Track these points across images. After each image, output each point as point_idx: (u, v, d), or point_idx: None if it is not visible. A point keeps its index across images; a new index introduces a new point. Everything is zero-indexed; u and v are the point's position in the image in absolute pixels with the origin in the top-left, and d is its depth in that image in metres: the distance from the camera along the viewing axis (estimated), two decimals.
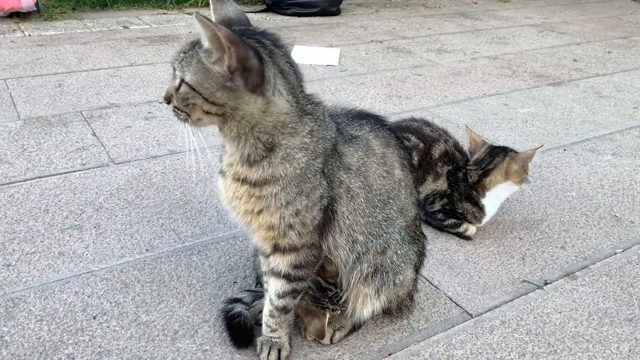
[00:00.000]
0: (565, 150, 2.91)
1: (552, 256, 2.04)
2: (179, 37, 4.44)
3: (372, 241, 1.46)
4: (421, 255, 1.65)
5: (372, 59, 4.27)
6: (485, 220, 2.11)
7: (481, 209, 2.08)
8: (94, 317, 1.62)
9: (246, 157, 1.30)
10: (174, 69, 1.23)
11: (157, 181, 2.37)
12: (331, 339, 1.58)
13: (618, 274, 1.96)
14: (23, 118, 2.86)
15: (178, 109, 1.24)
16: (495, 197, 2.08)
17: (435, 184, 2.15)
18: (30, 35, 4.25)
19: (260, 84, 1.20)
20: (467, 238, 2.11)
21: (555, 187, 2.53)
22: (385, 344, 1.60)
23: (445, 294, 1.82)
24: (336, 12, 5.64)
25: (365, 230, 1.44)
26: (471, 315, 1.74)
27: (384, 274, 1.50)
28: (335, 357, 1.54)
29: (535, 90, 3.79)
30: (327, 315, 1.52)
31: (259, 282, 1.73)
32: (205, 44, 1.17)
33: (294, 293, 1.44)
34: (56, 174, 2.37)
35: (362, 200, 1.41)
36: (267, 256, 1.43)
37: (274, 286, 1.45)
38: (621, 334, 1.69)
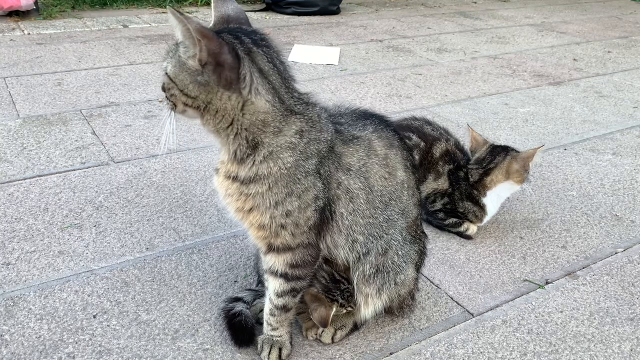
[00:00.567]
0: (565, 149, 2.90)
1: (553, 255, 2.04)
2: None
3: (372, 242, 1.45)
4: (422, 254, 1.65)
5: (372, 58, 4.26)
6: (486, 219, 2.11)
7: (482, 208, 2.07)
8: (94, 316, 1.62)
9: (234, 154, 1.31)
10: (164, 60, 1.28)
11: (157, 180, 2.36)
12: (332, 338, 1.58)
13: (619, 273, 1.95)
14: (22, 117, 2.85)
15: (167, 98, 1.29)
16: (497, 196, 2.07)
17: (437, 183, 2.14)
18: (29, 33, 4.24)
19: (235, 81, 1.21)
20: (468, 237, 2.11)
21: (556, 186, 2.53)
22: (386, 343, 1.60)
23: (446, 293, 1.81)
24: (336, 11, 5.64)
25: (366, 231, 1.44)
26: (472, 314, 1.73)
27: (385, 273, 1.50)
28: (337, 356, 1.54)
29: (536, 90, 3.79)
30: (334, 308, 1.51)
31: (260, 281, 1.72)
32: (180, 38, 1.19)
33: (293, 292, 1.44)
34: (56, 173, 2.36)
35: (362, 201, 1.41)
36: (265, 255, 1.43)
37: (272, 285, 1.44)
38: (622, 333, 1.68)
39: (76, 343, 1.52)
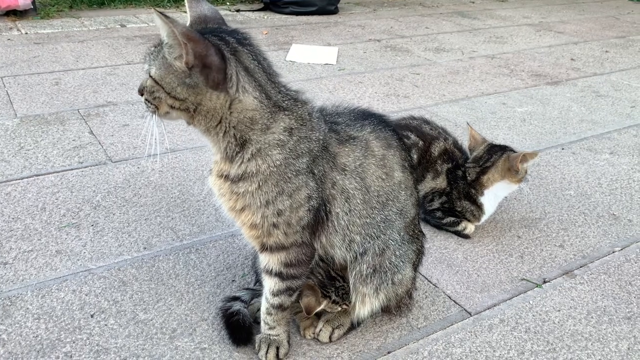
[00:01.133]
0: (563, 149, 2.91)
1: (550, 255, 2.04)
2: None
3: (369, 242, 1.45)
4: (420, 253, 1.65)
5: (370, 58, 4.26)
6: (484, 218, 2.11)
7: (480, 207, 2.08)
8: (92, 316, 1.62)
9: (225, 153, 1.31)
10: (145, 62, 1.27)
11: (155, 179, 2.36)
12: (330, 337, 1.57)
13: (616, 272, 1.96)
14: (20, 116, 2.84)
15: (148, 101, 1.27)
16: (494, 195, 2.08)
17: (435, 182, 2.14)
18: (27, 33, 4.23)
19: (222, 81, 1.21)
20: (466, 236, 2.11)
21: (554, 185, 2.53)
22: (384, 342, 1.60)
23: (444, 292, 1.82)
24: (334, 11, 5.64)
25: (363, 231, 1.44)
26: (470, 313, 1.73)
27: (383, 273, 1.50)
28: (334, 355, 1.54)
29: (533, 90, 3.80)
30: (324, 303, 1.51)
31: (257, 280, 1.72)
32: (165, 39, 1.19)
33: (288, 291, 1.44)
34: (53, 172, 2.35)
35: (358, 201, 1.41)
36: (260, 254, 1.43)
37: (268, 284, 1.44)
38: (620, 332, 1.69)
39: (73, 342, 1.52)
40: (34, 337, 1.53)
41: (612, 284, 1.90)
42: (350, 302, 1.53)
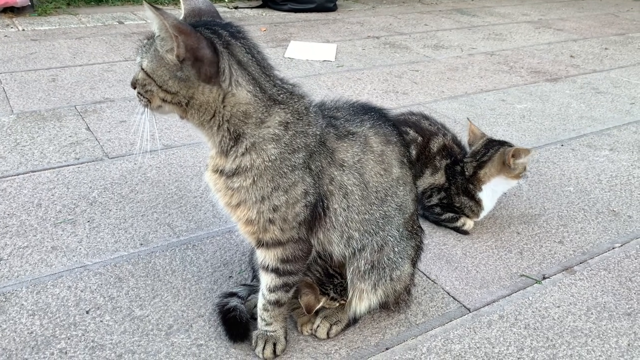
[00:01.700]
0: (562, 145, 2.89)
1: (550, 251, 2.03)
2: None
3: (368, 238, 1.44)
4: (419, 249, 1.63)
5: (368, 55, 4.25)
6: (483, 214, 2.10)
7: (478, 203, 2.06)
8: (87, 312, 1.60)
9: (219, 147, 1.29)
10: (137, 55, 1.26)
11: (152, 175, 2.34)
12: (328, 333, 1.56)
13: (616, 269, 1.94)
14: (16, 112, 2.83)
15: (140, 95, 1.26)
16: (492, 191, 2.06)
17: (434, 178, 2.13)
18: (24, 30, 4.21)
19: (215, 75, 1.20)
20: (465, 232, 2.10)
21: (553, 182, 2.52)
22: (382, 339, 1.59)
23: (443, 289, 1.80)
24: (333, 8, 5.62)
25: (361, 228, 1.42)
26: (469, 309, 1.72)
27: (381, 269, 1.48)
28: (332, 352, 1.53)
29: (533, 86, 3.78)
30: (323, 300, 1.50)
31: (255, 276, 1.70)
32: (157, 32, 1.17)
33: (285, 287, 1.42)
34: (49, 168, 2.34)
35: (357, 197, 1.39)
36: (256, 250, 1.41)
37: (265, 280, 1.43)
38: (620, 328, 1.67)
39: (68, 339, 1.50)
40: (28, 333, 1.51)
41: (612, 280, 1.88)
42: (348, 298, 1.52)
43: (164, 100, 1.23)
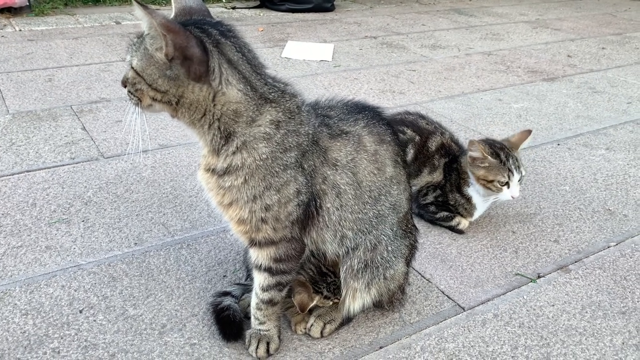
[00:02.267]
0: (559, 144, 2.89)
1: (545, 250, 2.03)
2: None
3: (361, 237, 1.44)
4: (413, 248, 1.63)
5: (366, 55, 4.24)
6: (476, 214, 2.09)
7: (469, 200, 2.05)
8: (81, 311, 1.60)
9: (211, 146, 1.29)
10: (127, 53, 1.25)
11: (147, 175, 2.34)
12: (321, 332, 1.56)
13: (611, 267, 1.94)
14: (12, 112, 2.82)
15: (131, 93, 1.25)
16: (476, 191, 2.03)
17: (431, 176, 2.12)
18: (21, 30, 4.21)
19: (205, 73, 1.19)
20: (460, 232, 2.10)
21: (549, 181, 2.52)
22: (376, 337, 1.58)
23: (437, 287, 1.80)
24: (330, 8, 5.62)
25: (355, 227, 1.42)
26: (463, 308, 1.72)
27: (375, 268, 1.48)
28: (326, 350, 1.52)
29: (529, 86, 3.78)
30: (317, 299, 1.50)
31: (249, 275, 1.70)
32: (147, 31, 1.17)
33: (278, 286, 1.42)
34: (45, 168, 2.33)
35: (350, 196, 1.38)
36: (249, 249, 1.41)
37: (258, 279, 1.43)
38: (614, 326, 1.67)
39: (61, 338, 1.50)
40: (21, 332, 1.51)
41: (607, 279, 1.88)
42: (341, 297, 1.51)
43: (154, 99, 1.23)
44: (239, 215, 1.32)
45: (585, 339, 1.62)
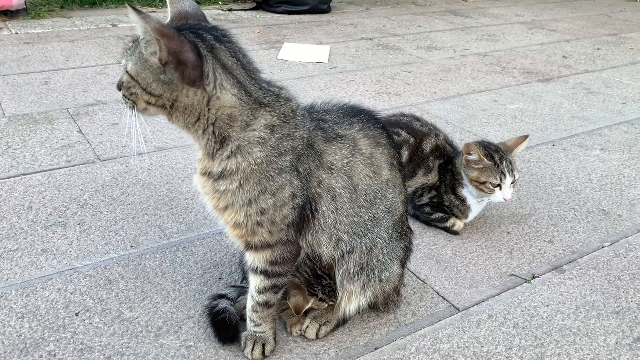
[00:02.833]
0: (554, 145, 2.91)
1: (540, 250, 2.04)
2: None
3: (357, 240, 1.44)
4: (408, 251, 1.64)
5: (362, 57, 4.26)
6: (471, 215, 2.10)
7: (464, 201, 2.06)
8: (77, 314, 1.60)
9: (206, 150, 1.30)
10: (123, 57, 1.26)
11: (143, 178, 2.34)
12: (317, 334, 1.56)
13: (606, 268, 1.95)
14: (8, 116, 2.83)
15: (126, 97, 1.26)
16: (469, 192, 2.04)
17: (427, 178, 2.13)
18: (17, 33, 4.21)
19: (199, 78, 1.20)
20: (455, 233, 2.10)
21: (544, 181, 2.53)
22: (371, 339, 1.59)
23: (432, 289, 1.81)
24: (327, 10, 5.64)
25: (350, 230, 1.42)
26: (458, 309, 1.72)
27: (370, 271, 1.49)
28: (321, 352, 1.53)
29: (525, 87, 3.80)
30: (312, 302, 1.50)
31: (245, 277, 1.70)
32: (142, 35, 1.18)
33: (274, 288, 1.43)
34: (41, 172, 2.34)
35: (345, 200, 1.39)
36: (245, 252, 1.42)
37: (254, 282, 1.43)
38: (608, 326, 1.68)
39: (57, 341, 1.50)
40: (17, 336, 1.51)
41: (601, 279, 1.89)
42: (337, 299, 1.52)
43: (148, 103, 1.24)
44: (235, 220, 1.32)
45: (580, 339, 1.63)
